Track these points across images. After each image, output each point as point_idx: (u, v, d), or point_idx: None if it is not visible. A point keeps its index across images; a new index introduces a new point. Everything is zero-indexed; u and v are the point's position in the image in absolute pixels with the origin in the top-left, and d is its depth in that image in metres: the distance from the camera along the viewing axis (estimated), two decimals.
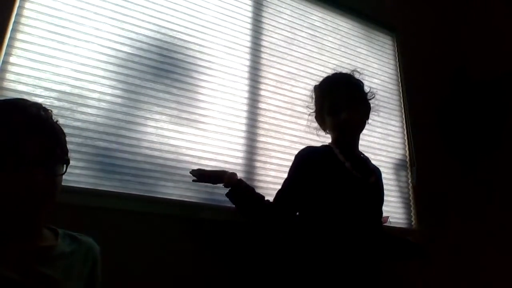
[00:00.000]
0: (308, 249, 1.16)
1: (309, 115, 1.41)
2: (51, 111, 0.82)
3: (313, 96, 1.39)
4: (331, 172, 1.22)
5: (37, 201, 0.74)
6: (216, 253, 1.41)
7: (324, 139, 1.43)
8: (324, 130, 1.37)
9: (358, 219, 1.20)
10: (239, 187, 1.28)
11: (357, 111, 1.27)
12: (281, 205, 1.23)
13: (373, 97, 1.37)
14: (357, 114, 1.27)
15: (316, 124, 1.40)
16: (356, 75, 1.36)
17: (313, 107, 1.39)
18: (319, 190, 1.21)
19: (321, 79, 1.90)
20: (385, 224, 1.77)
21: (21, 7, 1.33)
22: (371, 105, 1.38)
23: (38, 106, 0.79)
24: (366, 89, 1.36)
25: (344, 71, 1.90)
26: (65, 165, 0.81)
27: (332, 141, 1.35)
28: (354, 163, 1.26)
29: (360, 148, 1.95)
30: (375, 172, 1.34)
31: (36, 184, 0.72)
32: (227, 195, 1.29)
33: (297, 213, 1.25)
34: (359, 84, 1.34)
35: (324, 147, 1.32)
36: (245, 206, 1.27)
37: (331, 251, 1.14)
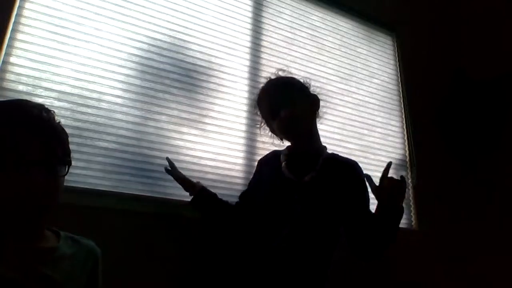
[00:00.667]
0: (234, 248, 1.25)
1: (260, 128, 1.38)
2: (54, 112, 0.82)
3: (257, 110, 1.36)
4: (266, 174, 1.30)
5: (37, 201, 0.74)
6: (216, 254, 1.41)
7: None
8: (279, 138, 1.34)
9: (280, 219, 1.15)
10: (204, 191, 1.32)
11: (295, 105, 1.22)
12: (238, 203, 1.34)
13: (309, 87, 1.32)
14: (296, 108, 1.22)
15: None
16: (282, 73, 1.33)
17: (261, 120, 1.36)
18: (256, 191, 1.30)
19: (321, 79, 1.92)
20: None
21: (21, 7, 1.33)
22: (315, 95, 1.31)
23: (41, 107, 0.80)
24: (301, 81, 1.32)
25: (343, 71, 1.90)
26: (67, 166, 0.81)
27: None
28: (295, 163, 1.23)
29: (360, 148, 1.96)
30: (330, 168, 1.23)
31: (35, 184, 0.72)
32: (192, 202, 1.31)
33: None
34: (294, 81, 1.31)
35: (272, 153, 1.35)
36: (211, 209, 1.32)
37: (244, 250, 1.18)
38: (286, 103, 1.21)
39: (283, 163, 1.23)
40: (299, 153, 1.27)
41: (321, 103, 1.31)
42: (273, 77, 1.34)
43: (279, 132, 1.28)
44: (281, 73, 1.34)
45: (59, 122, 0.82)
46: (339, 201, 1.20)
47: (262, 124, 1.36)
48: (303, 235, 1.14)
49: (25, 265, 0.73)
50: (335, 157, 1.29)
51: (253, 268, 1.14)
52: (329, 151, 1.31)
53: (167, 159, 1.36)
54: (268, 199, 1.22)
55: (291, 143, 1.31)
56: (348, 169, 1.26)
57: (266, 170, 1.32)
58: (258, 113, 1.36)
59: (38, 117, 0.77)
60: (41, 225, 0.81)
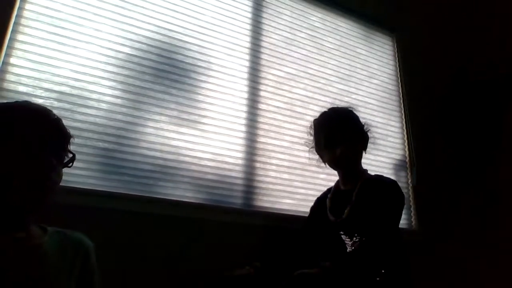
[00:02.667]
0: None
1: (309, 149, 1.45)
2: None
3: (311, 130, 1.43)
4: (315, 220, 1.40)
5: (40, 187, 0.76)
6: (216, 254, 1.41)
7: (327, 170, 1.46)
8: (323, 162, 1.41)
9: (325, 259, 1.22)
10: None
11: (352, 145, 1.31)
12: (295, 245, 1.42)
13: (369, 129, 1.41)
14: (352, 148, 1.31)
15: (317, 157, 1.43)
16: (353, 110, 1.40)
17: (312, 140, 1.43)
18: (308, 237, 1.39)
19: (321, 79, 1.92)
20: None
21: (21, 8, 1.34)
22: (369, 136, 1.41)
23: (48, 110, 0.85)
24: (362, 121, 1.40)
25: (343, 71, 1.91)
26: (71, 163, 0.86)
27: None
28: (337, 201, 1.32)
29: None
30: (361, 198, 1.26)
31: (48, 168, 0.76)
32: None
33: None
34: (354, 118, 1.38)
35: (326, 192, 1.44)
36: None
37: None
38: (343, 140, 1.29)
39: (328, 207, 1.33)
40: (341, 190, 1.35)
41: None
42: (336, 105, 1.44)
43: (329, 163, 1.36)
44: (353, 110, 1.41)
45: (61, 119, 0.86)
46: (372, 222, 1.20)
47: (312, 147, 1.43)
48: (351, 274, 1.15)
49: (10, 261, 0.73)
50: (374, 179, 1.31)
51: None
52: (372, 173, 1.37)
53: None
54: (316, 245, 1.34)
55: (337, 172, 1.39)
56: (381, 189, 1.26)
57: (317, 212, 1.41)
58: (311, 133, 1.42)
59: (57, 120, 0.83)
60: (28, 221, 0.81)
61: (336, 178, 1.41)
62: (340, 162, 1.32)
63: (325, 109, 1.43)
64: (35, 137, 0.77)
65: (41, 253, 0.79)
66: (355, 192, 1.28)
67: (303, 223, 1.45)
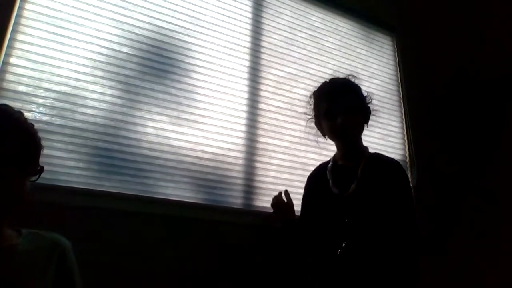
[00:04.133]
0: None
1: (307, 120, 1.42)
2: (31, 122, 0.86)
3: (311, 102, 1.40)
4: (316, 190, 1.36)
5: (5, 198, 0.76)
6: (216, 254, 1.41)
7: (323, 145, 1.48)
8: (323, 135, 1.39)
9: (330, 234, 1.23)
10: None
11: (354, 116, 1.28)
12: (300, 224, 1.39)
13: (370, 102, 1.38)
14: (354, 119, 1.28)
15: (314, 131, 1.42)
16: (353, 80, 1.37)
17: (312, 112, 1.41)
18: (308, 209, 1.38)
19: (321, 79, 1.91)
20: None
21: (21, 7, 1.33)
22: (371, 108, 1.38)
23: (21, 113, 0.84)
24: (364, 93, 1.37)
25: (343, 71, 1.91)
26: (38, 174, 0.85)
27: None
28: (339, 175, 1.29)
29: None
30: (368, 175, 1.24)
31: (7, 180, 0.75)
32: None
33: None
34: (356, 89, 1.34)
35: (324, 164, 1.39)
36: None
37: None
38: (344, 110, 1.26)
39: (330, 180, 1.29)
40: (343, 165, 1.32)
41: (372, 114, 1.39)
42: (340, 76, 1.39)
43: (329, 134, 1.33)
44: (352, 79, 1.37)
45: (37, 132, 0.86)
46: (383, 204, 1.19)
47: (311, 118, 1.40)
48: (360, 247, 1.17)
49: None
50: (377, 157, 1.31)
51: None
52: (372, 151, 1.36)
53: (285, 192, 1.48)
54: (321, 216, 1.29)
55: (336, 145, 1.37)
56: (388, 170, 1.25)
57: (315, 186, 1.38)
58: (311, 104, 1.39)
59: (20, 121, 0.81)
60: (1, 224, 0.81)
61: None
62: (341, 132, 1.27)
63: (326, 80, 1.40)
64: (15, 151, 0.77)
65: (13, 254, 0.79)
66: (360, 168, 1.25)
67: (302, 202, 1.43)
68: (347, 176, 1.27)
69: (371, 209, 1.19)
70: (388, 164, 1.28)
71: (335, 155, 1.38)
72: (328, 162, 1.38)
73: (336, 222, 1.22)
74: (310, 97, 1.41)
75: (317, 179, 1.37)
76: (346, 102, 1.27)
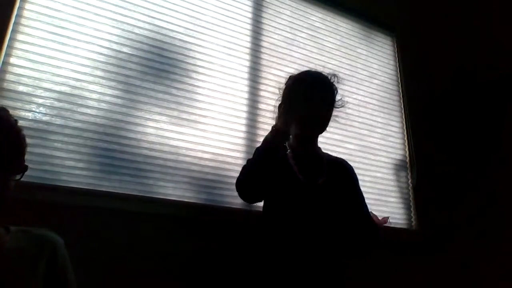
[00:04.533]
0: (259, 250, 1.26)
1: (276, 100, 1.37)
2: (16, 119, 0.85)
3: (286, 85, 1.35)
4: (279, 177, 1.25)
5: None
6: (216, 253, 1.41)
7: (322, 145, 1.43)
8: (287, 120, 1.28)
9: (300, 222, 1.19)
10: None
11: (327, 110, 1.31)
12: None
13: (341, 106, 1.38)
14: (327, 112, 1.31)
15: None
16: (334, 79, 1.36)
17: (283, 95, 1.35)
18: (269, 194, 1.26)
19: None
20: (385, 224, 1.77)
21: (21, 7, 1.34)
22: (335, 113, 1.37)
23: (6, 110, 0.83)
24: (338, 97, 1.37)
25: (343, 71, 1.92)
26: (22, 173, 0.83)
27: (292, 138, 1.33)
28: (304, 164, 1.27)
29: (360, 149, 1.97)
30: (332, 169, 1.29)
31: None
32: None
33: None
34: (332, 86, 1.34)
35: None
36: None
37: (271, 254, 1.19)
38: (323, 103, 1.28)
39: (295, 166, 1.26)
40: (304, 154, 1.30)
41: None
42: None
43: (299, 120, 1.26)
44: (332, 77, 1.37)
45: (21, 130, 0.85)
46: (346, 199, 1.27)
47: (278, 102, 1.34)
48: (326, 235, 1.18)
49: None
50: (328, 156, 1.36)
51: (281, 270, 1.16)
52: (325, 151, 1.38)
53: None
54: (286, 203, 1.23)
55: (294, 139, 1.33)
56: (344, 168, 1.35)
57: (275, 171, 1.27)
58: (280, 91, 1.36)
59: (3, 119, 0.80)
60: None
61: None
62: (313, 121, 1.27)
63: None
64: None
65: (2, 252, 0.79)
66: (325, 161, 1.30)
67: None
68: (310, 164, 1.27)
69: (342, 199, 1.26)
70: (342, 160, 1.38)
71: (290, 144, 1.33)
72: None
73: (309, 211, 1.20)
74: (286, 82, 1.37)
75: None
76: (326, 95, 1.30)
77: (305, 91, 1.27)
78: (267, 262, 1.19)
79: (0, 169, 0.77)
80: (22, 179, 0.87)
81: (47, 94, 1.31)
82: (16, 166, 0.82)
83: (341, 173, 1.32)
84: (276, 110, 1.30)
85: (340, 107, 1.37)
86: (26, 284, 0.79)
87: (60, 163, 1.28)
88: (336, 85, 1.35)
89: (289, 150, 1.31)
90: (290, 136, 1.31)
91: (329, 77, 1.34)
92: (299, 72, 1.37)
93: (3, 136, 0.79)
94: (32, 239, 0.86)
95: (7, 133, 0.80)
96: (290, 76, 1.37)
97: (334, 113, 1.35)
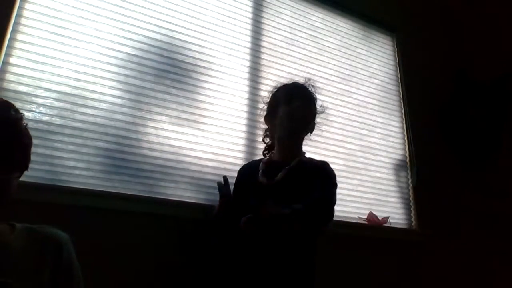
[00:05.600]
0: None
1: (262, 112, 1.44)
2: (23, 114, 0.84)
3: (269, 98, 1.42)
4: (245, 184, 1.31)
5: None
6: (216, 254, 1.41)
7: (321, 144, 1.44)
8: (271, 125, 1.38)
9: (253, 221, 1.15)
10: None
11: (310, 108, 1.34)
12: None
13: (322, 112, 1.41)
14: (308, 110, 1.33)
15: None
16: (311, 88, 1.40)
17: (268, 104, 1.42)
18: (239, 201, 1.27)
19: (321, 79, 1.92)
20: (385, 224, 1.77)
21: (21, 7, 1.33)
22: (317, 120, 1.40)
23: (9, 106, 0.81)
24: (318, 102, 1.40)
25: (343, 71, 1.92)
26: (23, 170, 0.83)
27: (277, 143, 1.36)
28: (271, 169, 1.27)
29: (360, 149, 1.96)
30: (299, 169, 1.27)
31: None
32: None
33: None
34: (313, 97, 1.38)
35: (258, 161, 1.36)
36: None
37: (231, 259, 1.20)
38: (303, 99, 1.31)
39: (260, 171, 1.28)
40: (278, 161, 1.30)
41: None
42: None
43: (283, 120, 1.30)
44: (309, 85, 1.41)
45: (26, 125, 0.84)
46: (306, 190, 1.20)
47: (263, 112, 1.41)
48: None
49: None
50: (309, 160, 1.32)
51: (244, 270, 1.16)
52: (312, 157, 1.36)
53: (224, 178, 1.33)
54: (245, 203, 1.22)
55: (278, 141, 1.34)
56: (317, 168, 1.28)
57: (245, 178, 1.35)
58: (265, 100, 1.42)
59: (2, 115, 0.79)
60: None
61: None
62: (295, 116, 1.28)
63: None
64: None
65: (5, 252, 0.78)
66: (296, 160, 1.26)
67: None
68: (278, 169, 1.25)
69: (294, 196, 1.17)
70: (321, 162, 1.32)
71: (272, 155, 1.36)
72: (258, 161, 1.37)
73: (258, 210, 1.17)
74: (270, 94, 1.43)
75: (249, 172, 1.33)
76: (307, 103, 1.33)
77: (286, 94, 1.33)
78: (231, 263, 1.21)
79: (7, 169, 0.76)
80: (22, 179, 0.86)
81: (47, 94, 1.31)
82: (22, 165, 0.81)
83: (307, 172, 1.26)
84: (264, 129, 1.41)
85: (321, 113, 1.40)
86: (33, 282, 0.79)
87: (60, 163, 1.28)
88: (315, 93, 1.39)
89: (265, 158, 1.35)
90: (276, 142, 1.36)
91: (306, 85, 1.39)
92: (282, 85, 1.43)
93: (9, 136, 0.78)
94: (37, 237, 0.85)
95: (5, 127, 0.78)
96: (269, 93, 1.44)
97: (317, 119, 1.39)
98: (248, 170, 1.37)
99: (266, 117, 1.41)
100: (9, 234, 0.82)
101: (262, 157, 1.42)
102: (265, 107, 1.43)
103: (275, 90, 1.42)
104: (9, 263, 0.77)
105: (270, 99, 1.41)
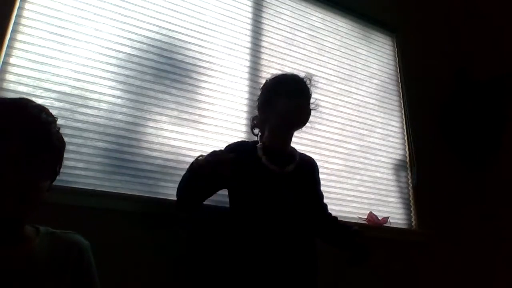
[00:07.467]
0: (229, 243, 1.22)
1: (256, 101, 1.39)
2: (56, 118, 0.83)
3: (265, 87, 1.36)
4: (247, 167, 1.23)
5: (7, 201, 0.72)
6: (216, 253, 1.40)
7: (321, 144, 1.44)
8: (267, 118, 1.32)
9: (273, 211, 1.17)
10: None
11: (306, 105, 1.31)
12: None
13: (314, 109, 1.36)
14: (308, 107, 1.31)
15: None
16: (308, 82, 1.35)
17: (264, 94, 1.35)
18: (236, 185, 1.23)
19: (321, 79, 1.92)
20: (385, 224, 1.77)
21: (21, 7, 1.34)
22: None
23: (40, 108, 0.80)
24: (312, 100, 1.36)
25: (343, 71, 1.91)
26: (55, 175, 0.83)
27: (267, 133, 1.32)
28: (272, 156, 1.25)
29: (361, 149, 1.96)
30: (301, 162, 1.30)
31: (4, 182, 0.71)
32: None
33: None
34: (310, 91, 1.34)
35: (252, 143, 1.33)
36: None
37: (244, 243, 1.17)
38: (302, 97, 1.29)
39: (263, 157, 1.25)
40: (274, 150, 1.28)
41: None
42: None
43: (282, 113, 1.26)
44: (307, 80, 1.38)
45: (58, 128, 0.83)
46: (312, 191, 1.32)
47: (257, 100, 1.37)
48: (299, 223, 1.20)
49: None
50: (300, 154, 1.36)
51: (259, 263, 1.14)
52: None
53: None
54: (257, 193, 1.20)
55: (272, 130, 1.30)
56: (313, 165, 1.38)
57: (241, 156, 1.21)
58: (263, 89, 1.36)
59: (32, 118, 0.77)
60: (17, 224, 0.79)
61: None
62: (295, 113, 1.27)
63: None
64: (19, 148, 0.72)
65: (32, 254, 0.78)
66: (298, 155, 1.32)
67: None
68: (280, 157, 1.26)
69: (306, 189, 1.28)
70: (311, 158, 1.39)
71: (264, 140, 1.32)
72: (252, 142, 1.34)
73: (274, 196, 1.19)
74: (265, 83, 1.37)
75: (244, 151, 1.26)
76: (305, 90, 1.30)
77: (285, 86, 1.29)
78: (244, 253, 1.17)
79: (31, 170, 0.74)
80: None
81: (47, 94, 1.31)
82: (45, 165, 0.80)
83: (308, 167, 1.35)
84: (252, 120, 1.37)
85: (313, 109, 1.36)
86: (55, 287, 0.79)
87: None
88: (311, 88, 1.35)
89: (259, 144, 1.31)
90: (265, 131, 1.32)
91: (304, 79, 1.35)
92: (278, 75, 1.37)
93: (32, 134, 0.76)
94: (60, 242, 0.85)
95: (35, 131, 0.77)
96: (266, 80, 1.37)
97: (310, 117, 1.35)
98: (242, 149, 1.28)
99: (262, 104, 1.34)
100: (34, 240, 0.82)
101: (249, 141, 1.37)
102: (260, 93, 1.37)
103: (272, 81, 1.35)
104: (33, 269, 0.77)
105: (267, 89, 1.35)
